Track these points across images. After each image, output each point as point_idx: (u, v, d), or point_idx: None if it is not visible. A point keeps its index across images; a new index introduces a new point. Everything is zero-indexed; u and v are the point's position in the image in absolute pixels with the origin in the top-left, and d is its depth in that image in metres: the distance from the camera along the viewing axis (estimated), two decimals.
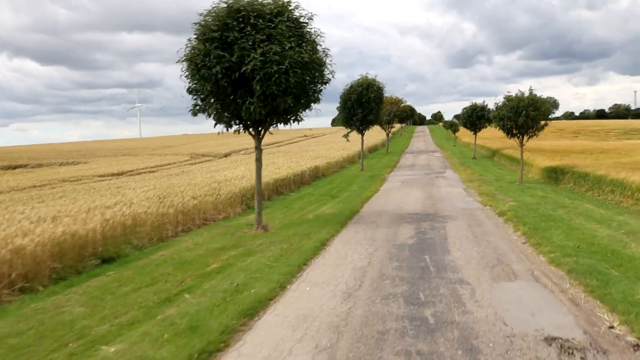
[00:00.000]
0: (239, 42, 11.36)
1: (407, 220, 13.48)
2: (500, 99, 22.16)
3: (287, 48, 11.36)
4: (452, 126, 65.02)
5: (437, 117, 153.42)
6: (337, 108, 32.44)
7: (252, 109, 11.67)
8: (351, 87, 31.23)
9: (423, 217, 13.90)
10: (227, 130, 13.13)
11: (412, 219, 13.64)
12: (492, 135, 66.68)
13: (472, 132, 41.60)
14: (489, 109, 39.71)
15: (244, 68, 11.26)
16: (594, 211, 13.96)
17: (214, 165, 38.09)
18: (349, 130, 33.02)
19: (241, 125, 13.02)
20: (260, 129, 13.17)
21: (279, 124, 13.34)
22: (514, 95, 21.64)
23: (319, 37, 12.49)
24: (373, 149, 58.29)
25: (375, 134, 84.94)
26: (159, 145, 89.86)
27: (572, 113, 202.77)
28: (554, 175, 23.17)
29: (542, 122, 21.63)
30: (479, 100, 40.14)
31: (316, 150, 46.79)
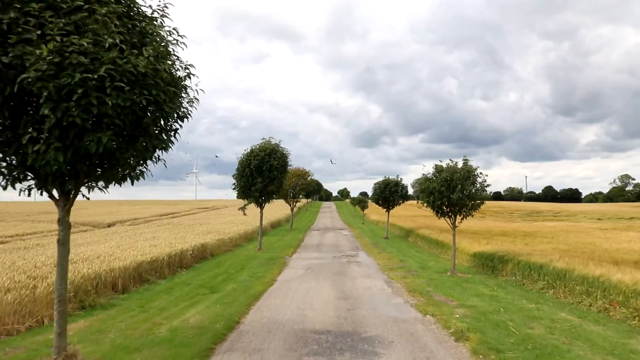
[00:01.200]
0: (20, 29, 6.12)
1: (312, 350, 8.18)
2: (428, 169, 18.11)
3: (106, 46, 6.27)
4: (360, 202, 61.53)
5: (344, 194, 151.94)
6: (233, 176, 27.35)
7: (41, 151, 6.32)
8: (251, 151, 26.44)
9: (337, 342, 8.66)
10: (13, 187, 7.39)
11: (321, 347, 8.34)
12: (402, 214, 64.02)
13: (385, 209, 37.77)
14: (402, 184, 36.35)
15: (24, 77, 6.00)
16: (585, 329, 9.46)
17: (82, 238, 31.06)
18: (246, 202, 27.92)
19: (34, 182, 7.39)
20: (67, 189, 7.60)
21: (105, 182, 7.75)
22: (445, 165, 17.66)
23: (176, 42, 7.49)
24: (276, 224, 53.24)
25: (278, 208, 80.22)
26: (39, 210, 79.48)
27: None
28: (490, 263, 19.06)
29: (478, 201, 17.66)
30: (381, 178, 36.71)
31: (212, 224, 40.98)
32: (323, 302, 12.43)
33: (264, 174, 26.05)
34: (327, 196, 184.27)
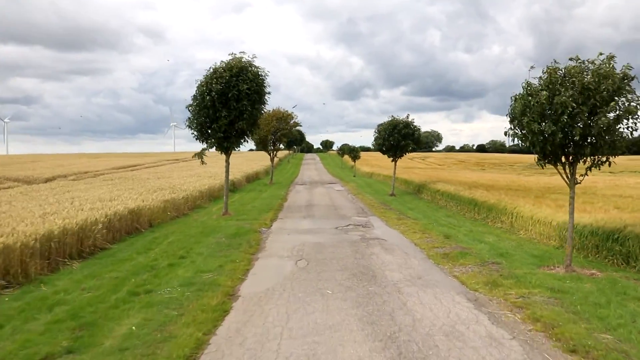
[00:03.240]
0: None
1: None
2: (531, 80, 9.43)
3: None
4: (351, 152, 52.79)
5: (328, 145, 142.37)
6: (187, 107, 18.66)
7: None
8: (214, 72, 17.74)
9: None
10: None
11: None
12: (388, 164, 55.58)
13: (391, 159, 29.29)
14: (414, 125, 27.78)
15: None
16: None
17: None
18: (205, 146, 19.23)
19: None
20: None
21: None
22: (563, 68, 9.02)
23: None
24: (253, 178, 44.59)
25: (256, 158, 71.47)
26: None
27: (453, 147, 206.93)
28: (618, 248, 10.81)
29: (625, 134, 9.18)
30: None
31: (172, 178, 32.27)
32: None
33: (230, 104, 17.44)
34: (308, 148, 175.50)
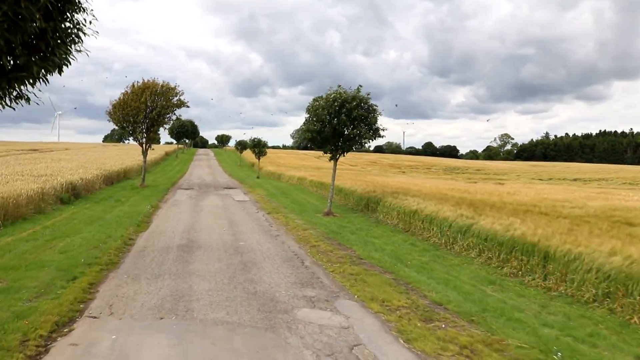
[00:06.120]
0: None
1: None
2: None
3: None
4: (256, 146, 41.01)
5: (224, 140, 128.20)
6: None
7: None
8: None
9: None
10: None
11: None
12: (299, 163, 44.52)
13: (329, 157, 18.28)
14: (371, 104, 17.04)
15: None
16: None
17: None
18: None
19: None
20: None
21: None
22: None
23: None
24: (120, 177, 31.55)
25: (129, 150, 57.81)
26: None
27: None
28: None
29: None
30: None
31: None
32: None
33: None
34: (203, 143, 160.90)
